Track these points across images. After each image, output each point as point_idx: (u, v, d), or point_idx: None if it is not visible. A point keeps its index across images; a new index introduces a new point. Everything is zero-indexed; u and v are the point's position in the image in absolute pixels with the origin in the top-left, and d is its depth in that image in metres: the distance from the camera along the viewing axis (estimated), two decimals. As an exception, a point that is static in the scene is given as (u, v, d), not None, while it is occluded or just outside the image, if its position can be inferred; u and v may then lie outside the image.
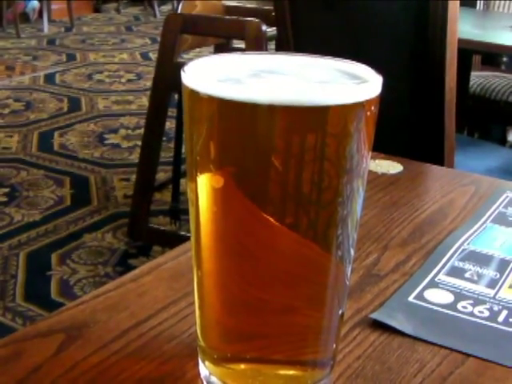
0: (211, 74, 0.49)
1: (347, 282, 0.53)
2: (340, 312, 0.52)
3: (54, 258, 2.62)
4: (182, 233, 2.72)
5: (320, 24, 1.82)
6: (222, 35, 2.74)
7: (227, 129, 0.46)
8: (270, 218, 0.47)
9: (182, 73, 0.48)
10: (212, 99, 0.45)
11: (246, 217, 0.48)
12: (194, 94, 0.47)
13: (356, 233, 0.51)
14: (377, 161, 0.96)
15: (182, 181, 2.98)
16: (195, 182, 0.49)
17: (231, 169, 0.47)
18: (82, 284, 2.43)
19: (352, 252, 0.52)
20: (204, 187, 0.49)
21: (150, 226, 2.78)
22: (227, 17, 2.62)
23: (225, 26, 2.52)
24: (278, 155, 0.46)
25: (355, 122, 0.46)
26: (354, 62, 0.52)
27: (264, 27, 2.38)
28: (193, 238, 0.52)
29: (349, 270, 0.52)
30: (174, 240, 2.45)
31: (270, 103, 0.44)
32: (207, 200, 0.49)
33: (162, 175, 3.24)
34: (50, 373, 0.53)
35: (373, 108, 0.47)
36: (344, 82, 0.50)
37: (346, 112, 0.46)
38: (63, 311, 0.62)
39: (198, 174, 0.49)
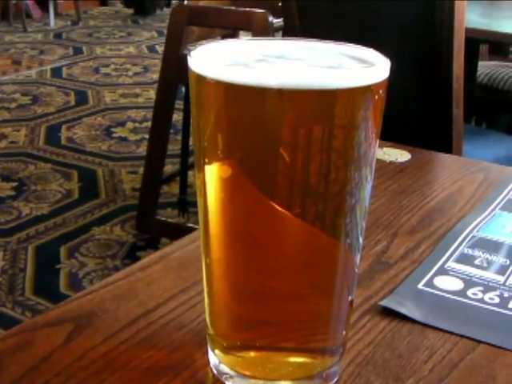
0: (218, 59, 0.49)
1: (356, 270, 0.52)
2: (349, 299, 0.52)
3: (62, 251, 2.62)
4: (190, 225, 2.72)
5: (327, 14, 1.81)
6: (229, 26, 2.74)
7: (235, 114, 0.46)
8: (278, 206, 0.47)
9: (189, 58, 0.47)
10: (219, 84, 0.45)
11: (254, 205, 0.48)
12: (200, 78, 0.46)
13: (365, 221, 0.51)
14: (385, 149, 0.95)
15: (190, 173, 2.98)
16: (203, 171, 0.49)
17: (239, 155, 0.47)
18: (90, 277, 2.43)
19: (361, 240, 0.51)
20: (212, 176, 0.48)
21: (158, 218, 2.78)
22: (234, 8, 2.61)
23: (231, 17, 2.52)
24: (286, 140, 0.45)
25: (363, 106, 0.46)
26: (360, 46, 0.51)
27: (271, 18, 2.37)
28: (201, 228, 0.51)
29: (358, 257, 0.52)
30: (182, 232, 2.44)
31: (279, 87, 0.44)
32: (215, 189, 0.49)
33: (170, 168, 3.23)
34: (59, 361, 0.53)
35: (381, 92, 0.47)
36: (352, 66, 0.49)
37: (354, 96, 0.45)
38: (72, 301, 0.62)
39: (206, 162, 0.48)
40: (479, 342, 0.57)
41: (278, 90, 0.44)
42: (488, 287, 0.65)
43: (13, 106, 4.37)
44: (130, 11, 7.42)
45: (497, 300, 0.63)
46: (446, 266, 0.68)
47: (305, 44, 0.53)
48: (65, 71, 5.22)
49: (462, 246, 0.72)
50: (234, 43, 0.53)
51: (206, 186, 0.49)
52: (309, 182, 0.46)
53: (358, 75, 0.46)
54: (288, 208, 0.47)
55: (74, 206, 2.99)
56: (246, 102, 0.45)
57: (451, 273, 0.67)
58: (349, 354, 0.55)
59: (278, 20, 2.37)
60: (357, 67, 0.49)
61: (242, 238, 0.49)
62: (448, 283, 0.65)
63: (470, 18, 1.82)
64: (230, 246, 0.50)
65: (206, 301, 0.53)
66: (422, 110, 1.75)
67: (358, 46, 0.51)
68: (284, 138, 0.45)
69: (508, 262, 0.69)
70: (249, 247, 0.49)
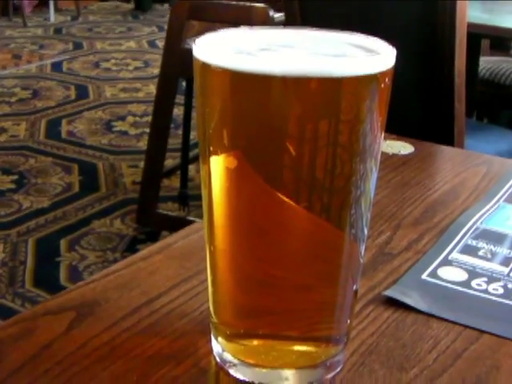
0: (223, 48, 0.48)
1: (361, 260, 0.52)
2: (354, 289, 0.52)
3: (62, 244, 2.62)
4: (191, 218, 2.71)
5: (329, 13, 1.80)
6: (229, 21, 2.73)
7: (239, 102, 0.46)
8: (283, 196, 0.46)
9: (194, 46, 0.47)
10: (224, 71, 0.45)
11: (258, 195, 0.48)
12: (205, 67, 0.46)
13: (369, 212, 0.51)
14: (388, 141, 0.95)
15: (191, 167, 2.98)
16: (208, 161, 0.49)
17: (243, 144, 0.46)
18: (91, 270, 2.43)
19: (366, 231, 0.51)
20: (217, 166, 0.48)
21: (159, 211, 2.78)
22: (234, 2, 2.61)
23: (232, 11, 2.51)
24: (291, 128, 0.45)
25: (369, 94, 0.46)
26: (365, 35, 0.51)
27: (271, 13, 2.37)
28: (205, 218, 0.51)
29: (362, 248, 0.52)
30: (182, 225, 2.44)
31: (283, 75, 0.43)
32: (220, 179, 0.48)
33: (171, 161, 3.23)
34: (61, 349, 0.53)
35: (387, 80, 0.47)
36: (357, 55, 0.49)
37: (359, 84, 0.45)
38: (73, 290, 0.61)
39: (211, 153, 0.48)
40: (483, 332, 0.57)
41: (283, 77, 0.44)
42: (492, 278, 0.65)
43: (13, 99, 4.37)
44: (130, 6, 7.41)
45: (501, 291, 0.63)
46: (449, 257, 0.68)
47: (309, 33, 0.53)
48: (65, 66, 5.21)
49: (466, 237, 0.72)
50: (239, 32, 0.52)
51: (210, 177, 0.49)
52: (314, 171, 0.46)
53: (363, 63, 0.46)
54: (293, 197, 0.47)
55: (75, 200, 2.99)
56: (251, 89, 0.45)
57: (455, 264, 0.67)
58: (353, 344, 0.55)
59: (279, 15, 2.37)
60: (362, 55, 0.49)
61: (246, 228, 0.49)
62: (452, 274, 0.65)
63: (472, 13, 1.81)
64: (234, 236, 0.50)
65: (210, 289, 0.52)
66: (424, 105, 1.75)
67: (363, 35, 0.51)
68: (288, 126, 0.45)
69: None
70: (253, 236, 0.49)
